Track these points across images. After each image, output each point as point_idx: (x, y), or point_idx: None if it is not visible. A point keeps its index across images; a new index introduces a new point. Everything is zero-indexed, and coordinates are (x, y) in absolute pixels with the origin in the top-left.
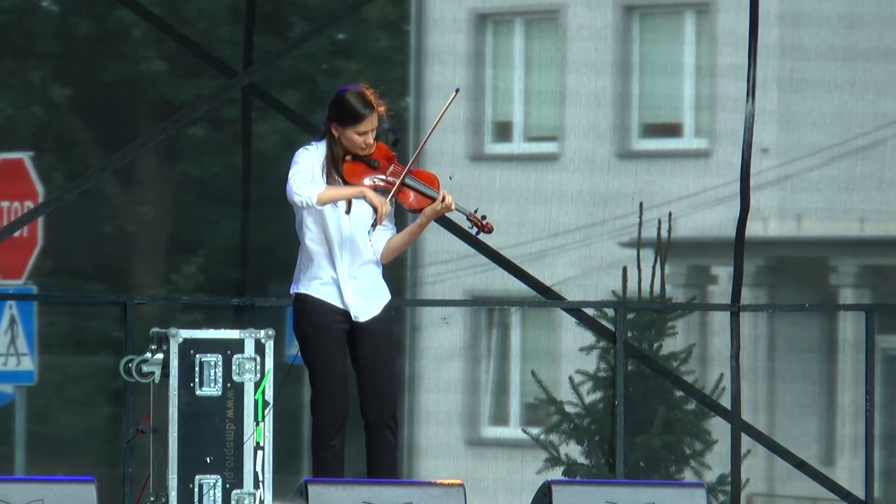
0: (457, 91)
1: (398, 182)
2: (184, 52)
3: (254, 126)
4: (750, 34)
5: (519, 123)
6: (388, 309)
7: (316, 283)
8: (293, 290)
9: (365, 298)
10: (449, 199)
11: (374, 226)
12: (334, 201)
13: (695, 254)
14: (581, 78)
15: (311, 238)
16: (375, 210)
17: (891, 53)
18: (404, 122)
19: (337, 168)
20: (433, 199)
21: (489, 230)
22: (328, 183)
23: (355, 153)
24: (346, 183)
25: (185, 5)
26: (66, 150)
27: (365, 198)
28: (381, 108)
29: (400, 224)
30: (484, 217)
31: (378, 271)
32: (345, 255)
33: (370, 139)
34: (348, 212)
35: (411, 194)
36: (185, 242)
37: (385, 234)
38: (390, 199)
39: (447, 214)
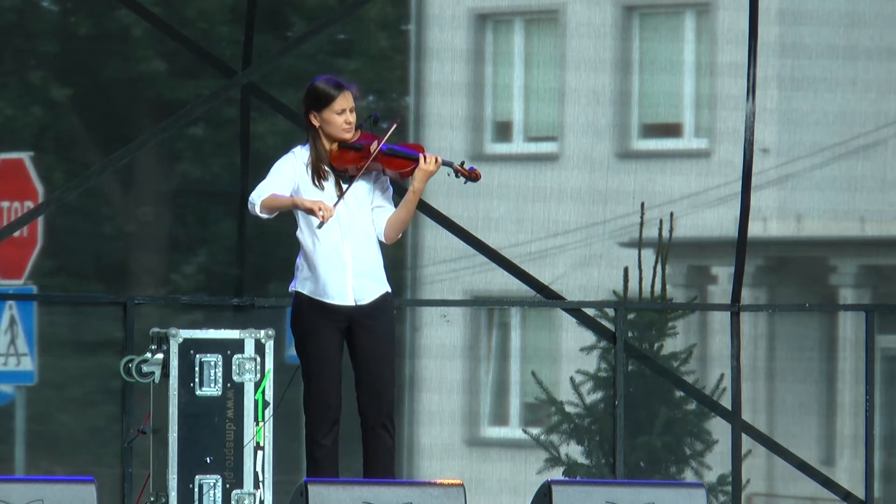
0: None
1: (377, 149)
2: (184, 52)
3: (253, 126)
4: (750, 32)
5: (519, 121)
6: (388, 304)
7: (314, 280)
8: (292, 287)
9: (365, 281)
10: (431, 156)
11: (319, 226)
12: (275, 210)
13: (695, 254)
14: (581, 76)
15: (309, 234)
16: (313, 213)
17: (892, 52)
18: (405, 121)
19: (324, 160)
20: (416, 161)
21: (477, 177)
22: (318, 177)
23: (340, 137)
24: (335, 171)
25: (185, 5)
26: (66, 150)
27: (296, 206)
28: (353, 88)
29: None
30: (471, 168)
31: (379, 262)
32: (346, 242)
33: (351, 118)
34: (341, 195)
35: (395, 161)
36: (185, 242)
37: (385, 214)
38: (368, 167)
39: (446, 212)
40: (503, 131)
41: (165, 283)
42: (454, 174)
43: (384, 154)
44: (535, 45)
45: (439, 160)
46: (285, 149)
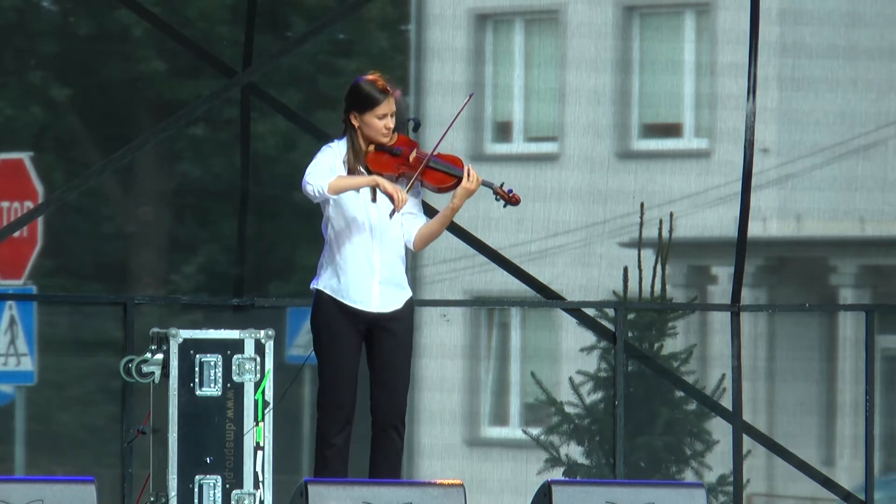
0: (470, 96)
1: (423, 164)
2: (184, 52)
3: (253, 126)
4: (750, 32)
5: (519, 121)
6: (409, 307)
7: (338, 281)
8: (314, 284)
9: (391, 289)
10: (475, 174)
11: (391, 214)
12: (346, 190)
13: (695, 254)
14: (581, 75)
15: (337, 233)
16: (391, 199)
17: (893, 52)
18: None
19: (360, 160)
20: (458, 177)
21: (516, 202)
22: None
23: (378, 141)
24: (370, 174)
25: (185, 5)
26: (66, 150)
27: (378, 187)
28: (397, 93)
29: (428, 211)
30: (510, 190)
31: (403, 267)
32: (375, 246)
33: (390, 123)
34: (374, 200)
35: (436, 175)
36: (185, 242)
37: (417, 222)
38: (413, 183)
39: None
40: (503, 131)
41: (165, 283)
42: (494, 196)
43: (427, 166)
44: (535, 45)
45: (480, 179)
46: (286, 149)
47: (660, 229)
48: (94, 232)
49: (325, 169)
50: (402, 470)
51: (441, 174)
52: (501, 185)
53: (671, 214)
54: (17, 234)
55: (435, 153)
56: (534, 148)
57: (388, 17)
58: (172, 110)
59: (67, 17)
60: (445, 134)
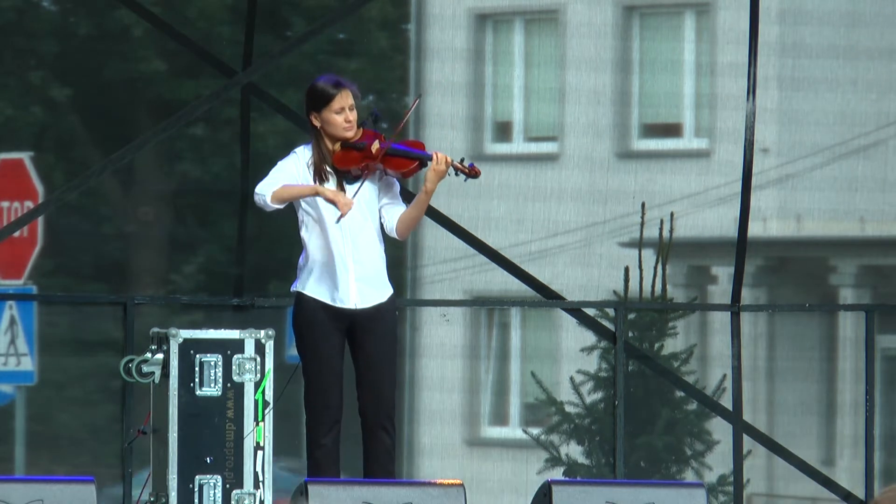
0: (418, 97)
1: (381, 153)
2: (184, 52)
3: (254, 126)
4: (750, 32)
5: (519, 121)
6: (390, 305)
7: (316, 281)
8: (294, 287)
9: (368, 286)
10: (441, 154)
11: (338, 220)
12: (289, 199)
13: (695, 254)
14: (581, 76)
15: (312, 234)
16: (335, 205)
17: (893, 52)
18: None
19: (326, 161)
20: (419, 160)
21: (476, 174)
22: (320, 178)
23: (342, 136)
24: (339, 173)
25: (185, 5)
26: (66, 150)
27: (318, 195)
28: (353, 87)
29: (405, 196)
30: (471, 164)
31: (382, 264)
32: (347, 246)
33: (350, 116)
34: (338, 221)
35: (394, 161)
36: (185, 242)
37: (396, 210)
38: (380, 174)
39: (446, 212)
40: (503, 131)
41: (165, 283)
42: (454, 172)
43: (385, 154)
44: (535, 45)
45: (449, 160)
46: (286, 149)
47: (660, 229)
48: (94, 232)
49: (282, 176)
50: (397, 468)
51: (400, 159)
52: (462, 161)
53: (672, 214)
54: (17, 234)
55: (394, 140)
56: (534, 148)
57: (388, 17)
58: (172, 110)
59: (67, 17)
60: (404, 122)
